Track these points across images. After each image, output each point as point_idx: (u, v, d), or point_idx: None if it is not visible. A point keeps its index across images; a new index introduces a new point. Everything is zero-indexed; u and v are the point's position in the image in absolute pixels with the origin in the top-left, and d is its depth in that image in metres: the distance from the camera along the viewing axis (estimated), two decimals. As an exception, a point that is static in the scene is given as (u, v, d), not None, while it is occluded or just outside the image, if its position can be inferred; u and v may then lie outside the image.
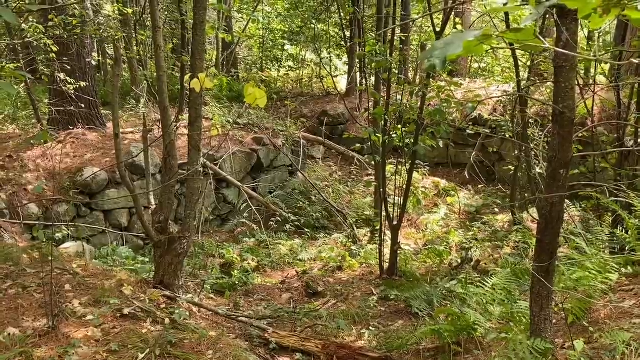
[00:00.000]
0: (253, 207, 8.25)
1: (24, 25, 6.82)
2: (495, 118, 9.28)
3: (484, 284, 4.67)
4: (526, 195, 7.94)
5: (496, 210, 8.56)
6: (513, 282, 4.68)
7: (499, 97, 9.08)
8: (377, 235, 7.25)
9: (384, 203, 6.46)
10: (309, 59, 15.57)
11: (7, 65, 6.35)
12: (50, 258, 3.70)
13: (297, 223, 8.50)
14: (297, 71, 15.11)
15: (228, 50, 12.69)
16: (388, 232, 6.64)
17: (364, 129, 6.59)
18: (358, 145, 9.81)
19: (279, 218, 8.48)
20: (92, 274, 4.46)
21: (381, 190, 6.54)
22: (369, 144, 7.42)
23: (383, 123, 6.40)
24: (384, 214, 6.49)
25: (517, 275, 4.85)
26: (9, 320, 3.45)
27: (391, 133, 6.31)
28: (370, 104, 9.41)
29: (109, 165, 7.36)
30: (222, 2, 9.16)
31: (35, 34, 6.75)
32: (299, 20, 13.24)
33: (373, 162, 7.69)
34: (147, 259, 6.37)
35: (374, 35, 11.17)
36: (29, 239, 5.91)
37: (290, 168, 10.04)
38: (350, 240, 7.98)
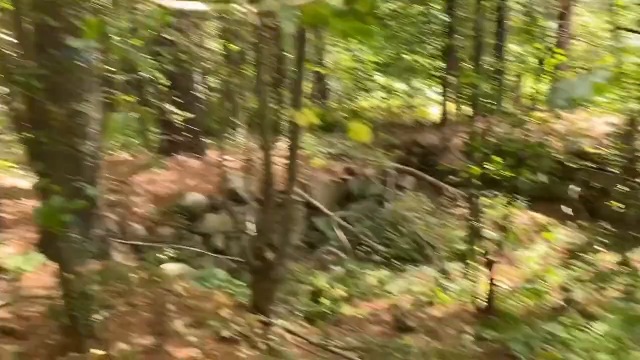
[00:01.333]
0: (342, 236, 8.32)
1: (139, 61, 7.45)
2: (599, 152, 8.75)
3: (590, 330, 4.36)
4: (636, 234, 7.37)
5: (601, 249, 7.99)
6: (624, 330, 4.33)
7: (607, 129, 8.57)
8: (470, 271, 7.02)
9: (477, 237, 6.26)
10: (399, 88, 15.60)
11: (124, 98, 6.97)
12: (156, 279, 3.94)
13: (385, 254, 8.44)
14: (388, 101, 15.16)
15: (320, 81, 13.06)
16: (482, 268, 6.41)
17: (458, 161, 6.47)
18: (451, 177, 9.61)
19: (367, 248, 8.47)
20: (193, 296, 4.68)
21: (475, 224, 6.35)
22: (463, 175, 7.26)
23: (479, 155, 6.25)
24: (477, 248, 6.28)
25: (629, 322, 4.48)
26: (119, 336, 3.70)
27: (488, 165, 6.14)
28: (465, 135, 9.24)
29: (209, 191, 7.76)
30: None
31: (149, 69, 7.34)
32: (392, 52, 13.36)
33: (466, 195, 7.50)
34: (242, 283, 6.57)
35: (468, 65, 11.03)
36: (137, 259, 6.33)
37: (379, 198, 10.02)
38: (441, 274, 7.77)
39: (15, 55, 3.21)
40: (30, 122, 3.30)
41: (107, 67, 5.95)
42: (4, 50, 3.08)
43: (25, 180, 8.33)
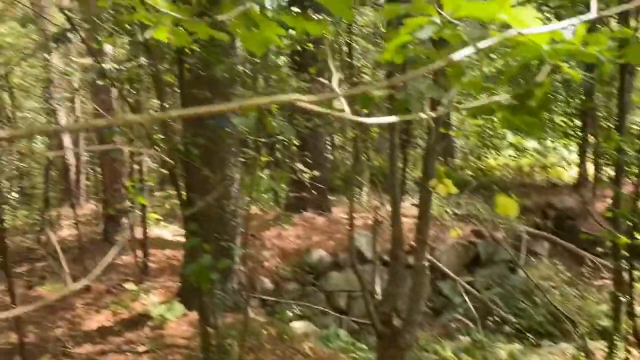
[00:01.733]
0: (469, 303, 7.91)
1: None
2: None
3: None
4: None
5: None
6: None
7: None
8: (616, 351, 6.27)
9: (627, 314, 5.62)
10: (531, 147, 14.92)
11: (260, 158, 7.44)
12: (285, 337, 4.02)
13: (517, 325, 7.86)
14: (518, 160, 14.53)
15: (445, 140, 12.90)
16: (631, 349, 5.70)
17: (600, 227, 5.95)
18: (594, 245, 8.85)
19: (496, 317, 7.96)
20: (319, 357, 4.71)
21: (622, 298, 5.72)
22: (607, 244, 6.64)
23: (626, 222, 5.69)
24: (625, 326, 5.62)
25: None
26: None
27: (638, 235, 5.56)
28: (608, 199, 8.51)
29: (334, 249, 7.88)
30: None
31: (287, 133, 7.81)
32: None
33: (612, 265, 6.82)
34: (364, 346, 6.48)
35: (608, 124, 10.28)
36: (265, 313, 6.54)
37: (510, 264, 9.46)
38: (582, 353, 7.03)
39: (177, 125, 3.59)
40: (186, 185, 3.64)
41: (246, 130, 6.44)
42: (170, 121, 3.46)
43: (169, 232, 9.12)
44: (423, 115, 0.82)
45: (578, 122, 12.04)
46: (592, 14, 0.72)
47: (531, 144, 14.73)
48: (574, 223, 10.34)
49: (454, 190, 2.68)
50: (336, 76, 0.82)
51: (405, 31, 0.97)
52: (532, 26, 0.94)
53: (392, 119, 0.73)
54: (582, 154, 11.72)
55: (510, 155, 14.84)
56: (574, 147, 12.87)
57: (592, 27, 1.02)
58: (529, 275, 8.73)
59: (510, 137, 14.52)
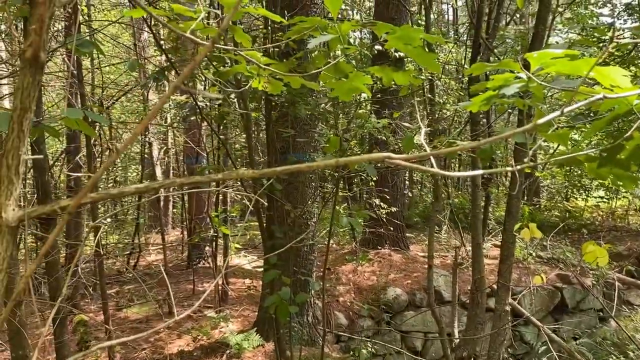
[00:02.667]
0: (553, 352, 7.44)
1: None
2: None
3: None
4: None
5: None
6: None
7: None
8: None
9: None
10: (623, 189, 14.01)
11: (338, 192, 7.54)
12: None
13: (608, 380, 7.29)
14: (609, 202, 13.68)
15: (531, 178, 12.42)
16: None
17: None
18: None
19: (585, 370, 7.42)
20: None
21: None
22: None
23: None
24: None
25: None
26: None
27: None
28: None
29: (411, 287, 7.75)
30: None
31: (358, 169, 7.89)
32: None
33: None
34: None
35: None
36: (338, 349, 6.52)
37: (600, 313, 8.84)
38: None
39: (263, 159, 3.74)
40: (267, 217, 3.78)
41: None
42: (254, 154, 3.63)
43: (249, 262, 9.38)
44: (508, 169, 0.85)
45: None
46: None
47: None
48: (674, 272, 9.53)
49: (538, 234, 2.61)
50: (423, 130, 0.88)
51: (492, 85, 1.00)
52: (620, 83, 0.95)
53: (478, 172, 0.77)
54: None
55: (600, 197, 14.00)
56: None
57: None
58: (622, 326, 8.10)
59: (601, 177, 13.73)
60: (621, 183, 1.14)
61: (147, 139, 8.12)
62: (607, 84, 0.99)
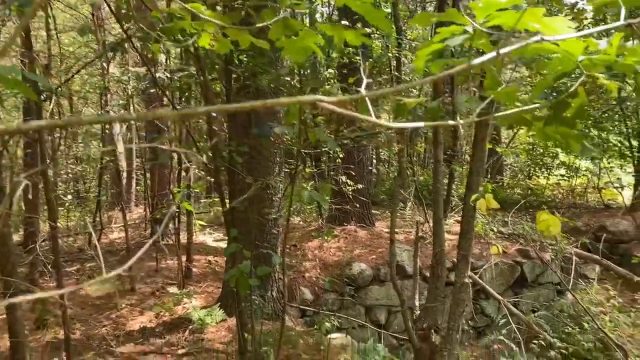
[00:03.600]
0: (513, 325, 7.66)
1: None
2: None
3: None
4: None
5: None
6: None
7: None
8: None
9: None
10: (583, 167, 14.41)
11: (304, 169, 7.52)
12: (322, 348, 4.01)
13: (563, 351, 7.54)
14: (570, 180, 14.06)
15: (494, 157, 12.63)
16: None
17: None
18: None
19: (541, 342, 7.67)
20: (355, 370, 4.67)
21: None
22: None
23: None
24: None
25: None
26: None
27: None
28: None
29: (375, 262, 7.83)
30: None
31: (331, 145, 7.85)
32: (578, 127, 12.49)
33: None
34: (402, 362, 6.39)
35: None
36: (302, 323, 6.55)
37: (558, 286, 9.14)
38: (633, 383, 6.70)
39: (224, 133, 3.68)
40: (230, 192, 3.72)
41: (292, 141, 6.52)
42: (216, 129, 3.56)
43: (213, 238, 9.30)
44: (451, 122, 0.82)
45: (634, 143, 11.57)
46: (621, 21, 0.71)
47: (585, 163, 14.23)
48: (628, 247, 9.90)
49: (494, 205, 2.64)
50: (365, 81, 0.84)
51: (437, 39, 0.97)
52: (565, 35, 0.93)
53: (419, 124, 0.74)
54: (638, 175, 11.24)
55: (562, 175, 14.38)
56: (629, 168, 12.36)
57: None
58: (578, 299, 8.39)
59: (562, 156, 14.09)
60: (567, 143, 1.13)
61: (106, 112, 7.88)
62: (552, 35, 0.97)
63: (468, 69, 0.63)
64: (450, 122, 0.78)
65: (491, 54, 0.64)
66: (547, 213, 2.19)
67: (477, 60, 0.63)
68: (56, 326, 5.55)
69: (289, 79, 4.49)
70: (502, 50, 0.65)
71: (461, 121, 0.85)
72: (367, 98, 0.72)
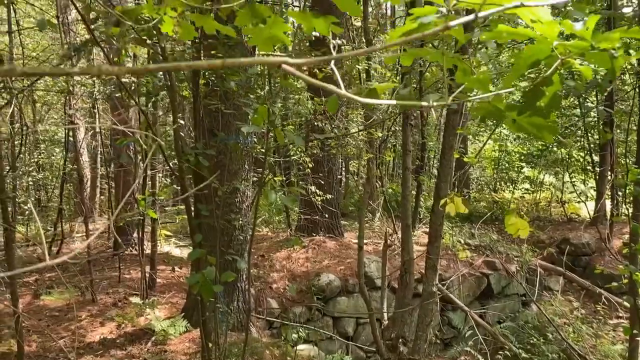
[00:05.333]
0: (479, 336, 7.70)
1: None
2: None
3: None
4: None
5: None
6: None
7: None
8: (632, 394, 6.02)
9: (644, 356, 5.41)
10: (547, 181, 14.75)
11: (274, 178, 7.41)
12: (288, 359, 3.92)
13: (528, 361, 7.62)
14: (534, 194, 14.36)
15: (461, 170, 12.79)
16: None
17: (617, 265, 5.79)
18: (613, 283, 8.60)
19: (507, 352, 7.73)
20: (322, 381, 4.58)
21: (639, 338, 5.51)
22: (624, 282, 6.45)
23: (645, 261, 5.54)
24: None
25: None
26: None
27: (656, 273, 5.39)
28: (625, 235, 8.32)
29: (344, 273, 7.77)
30: (461, 125, 9.41)
31: (297, 152, 7.80)
32: (539, 143, 12.80)
33: (627, 303, 6.61)
34: (369, 374, 6.32)
35: (627, 160, 10.11)
36: (270, 335, 6.43)
37: (523, 298, 9.25)
38: (595, 393, 6.79)
39: (189, 137, 3.58)
40: (195, 197, 3.62)
41: (261, 148, 6.44)
42: (180, 132, 3.46)
43: (178, 249, 9.10)
44: (424, 104, 0.78)
45: (596, 158, 11.90)
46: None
47: (548, 178, 14.56)
48: (590, 259, 10.12)
49: (463, 209, 2.63)
50: (332, 44, 0.79)
51: (410, 19, 0.94)
52: (541, 17, 0.91)
53: (390, 102, 0.70)
54: (599, 189, 11.54)
55: (526, 189, 14.68)
56: (591, 182, 12.70)
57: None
58: (543, 311, 8.51)
59: (527, 170, 14.38)
60: (541, 134, 1.11)
61: (70, 118, 7.65)
62: (528, 20, 0.94)
63: (444, 29, 0.59)
64: (422, 102, 0.74)
65: (469, 17, 0.60)
66: (516, 216, 2.18)
67: (454, 22, 0.59)
68: (11, 338, 5.29)
69: (260, 81, 4.43)
70: (481, 13, 0.61)
71: (433, 103, 0.81)
72: (335, 67, 0.67)
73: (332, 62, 0.63)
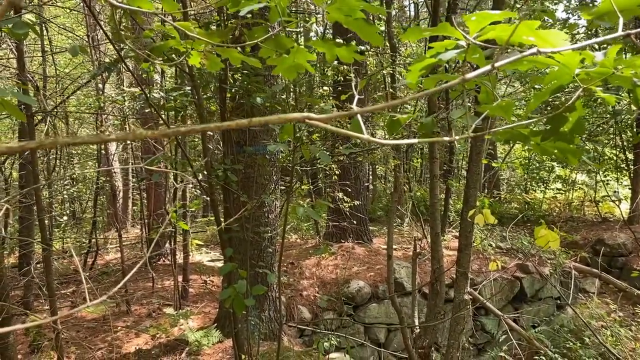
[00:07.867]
0: (513, 340, 7.58)
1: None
2: None
3: None
4: None
5: None
6: None
7: None
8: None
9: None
10: (580, 180, 14.43)
11: (302, 187, 7.48)
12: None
13: (565, 366, 7.46)
14: (566, 194, 14.06)
15: (491, 171, 12.63)
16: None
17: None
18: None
19: (543, 357, 7.58)
20: (354, 390, 4.59)
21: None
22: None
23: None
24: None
25: None
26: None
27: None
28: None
29: (374, 280, 7.76)
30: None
31: (327, 162, 7.83)
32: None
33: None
34: (402, 381, 6.29)
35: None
36: (301, 343, 6.46)
37: (557, 301, 9.07)
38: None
39: (218, 151, 3.65)
40: (225, 211, 3.68)
41: (288, 159, 6.50)
42: (210, 146, 3.53)
43: (210, 258, 9.22)
44: (445, 138, 0.80)
45: (630, 155, 11.60)
46: (618, 32, 0.69)
47: (581, 177, 14.25)
48: (627, 260, 9.86)
49: (491, 220, 2.61)
50: (357, 98, 0.82)
51: (430, 54, 0.95)
52: (559, 47, 0.91)
53: (412, 141, 0.72)
54: (634, 188, 11.25)
55: (558, 189, 14.38)
56: (626, 181, 12.39)
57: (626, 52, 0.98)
58: (578, 314, 8.33)
59: (559, 170, 14.10)
60: (565, 157, 1.11)
61: (101, 132, 7.85)
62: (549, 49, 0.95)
63: (462, 82, 0.60)
64: (445, 138, 0.76)
65: (486, 68, 0.62)
66: (545, 228, 2.16)
67: (471, 74, 0.61)
68: (51, 350, 5.45)
69: (284, 96, 4.48)
70: (497, 63, 0.63)
71: (456, 137, 0.83)
72: (358, 114, 0.69)
73: (357, 114, 0.65)
